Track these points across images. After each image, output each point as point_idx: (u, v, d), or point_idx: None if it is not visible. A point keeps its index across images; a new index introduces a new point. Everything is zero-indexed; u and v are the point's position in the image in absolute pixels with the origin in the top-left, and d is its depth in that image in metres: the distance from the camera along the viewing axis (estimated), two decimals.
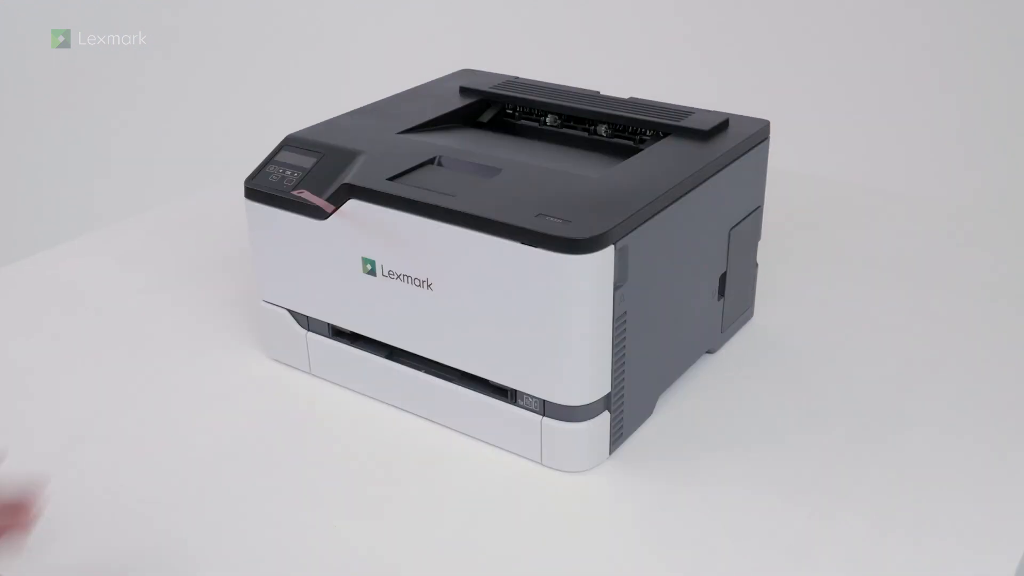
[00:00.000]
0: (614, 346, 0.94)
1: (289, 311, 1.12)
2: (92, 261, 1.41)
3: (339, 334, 1.10)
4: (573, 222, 0.90)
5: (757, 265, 1.21)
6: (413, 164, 1.03)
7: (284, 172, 1.07)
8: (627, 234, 0.92)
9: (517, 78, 1.30)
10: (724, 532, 0.90)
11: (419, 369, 1.04)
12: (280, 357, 1.16)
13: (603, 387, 0.96)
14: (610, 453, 1.00)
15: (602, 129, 1.18)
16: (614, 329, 0.93)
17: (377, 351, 1.07)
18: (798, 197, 1.56)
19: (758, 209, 1.17)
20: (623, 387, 0.98)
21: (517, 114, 1.24)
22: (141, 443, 1.03)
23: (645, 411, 1.05)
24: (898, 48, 2.71)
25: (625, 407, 1.00)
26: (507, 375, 0.97)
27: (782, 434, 1.03)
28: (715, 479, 0.97)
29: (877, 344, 1.18)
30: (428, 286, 0.98)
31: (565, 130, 1.21)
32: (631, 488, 0.96)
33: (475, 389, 1.01)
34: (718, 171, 1.05)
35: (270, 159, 1.09)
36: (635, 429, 1.03)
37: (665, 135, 1.12)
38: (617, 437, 1.00)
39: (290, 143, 1.10)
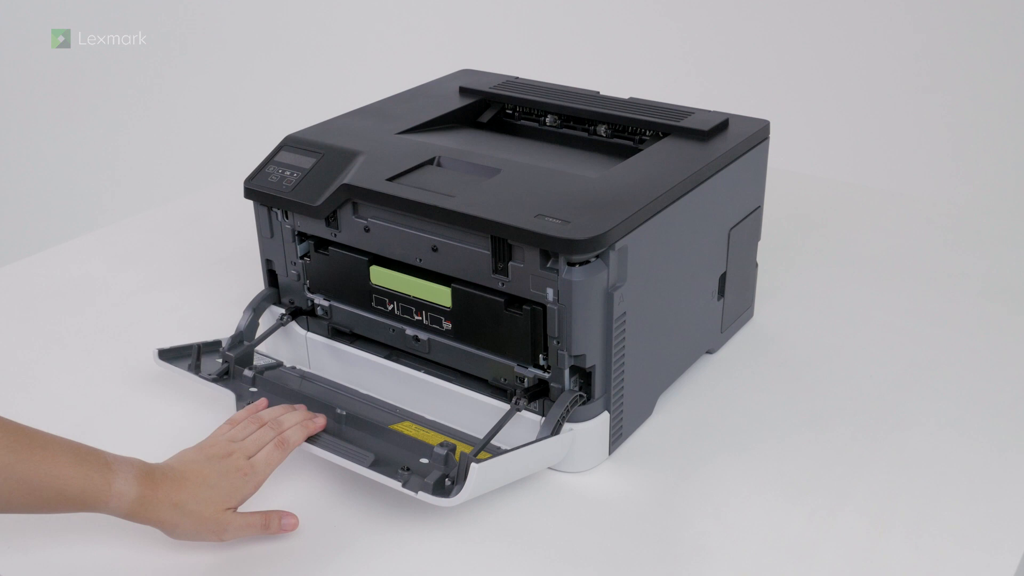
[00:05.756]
0: (614, 346, 0.94)
1: None
2: (93, 260, 1.41)
3: (339, 334, 1.10)
4: (572, 222, 0.90)
5: (757, 265, 1.21)
6: (412, 164, 1.03)
7: (283, 172, 1.06)
8: (627, 234, 0.91)
9: (517, 78, 1.30)
10: (724, 532, 0.90)
11: (419, 369, 1.04)
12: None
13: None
14: (610, 453, 1.00)
15: (602, 129, 1.18)
16: (614, 329, 0.93)
17: (377, 351, 1.07)
18: (798, 197, 1.56)
19: (758, 209, 1.17)
20: (623, 387, 0.98)
21: (517, 114, 1.24)
22: (141, 441, 1.03)
23: (645, 411, 1.05)
24: (898, 49, 2.71)
25: (625, 407, 1.00)
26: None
27: (782, 434, 1.03)
28: (715, 479, 0.97)
29: (877, 344, 1.18)
30: None
31: (565, 130, 1.20)
32: (631, 488, 0.96)
33: (475, 389, 1.01)
34: (718, 171, 1.05)
35: (270, 159, 1.09)
36: (635, 429, 1.03)
37: (665, 135, 1.12)
38: (617, 437, 1.00)
39: (290, 143, 1.10)
